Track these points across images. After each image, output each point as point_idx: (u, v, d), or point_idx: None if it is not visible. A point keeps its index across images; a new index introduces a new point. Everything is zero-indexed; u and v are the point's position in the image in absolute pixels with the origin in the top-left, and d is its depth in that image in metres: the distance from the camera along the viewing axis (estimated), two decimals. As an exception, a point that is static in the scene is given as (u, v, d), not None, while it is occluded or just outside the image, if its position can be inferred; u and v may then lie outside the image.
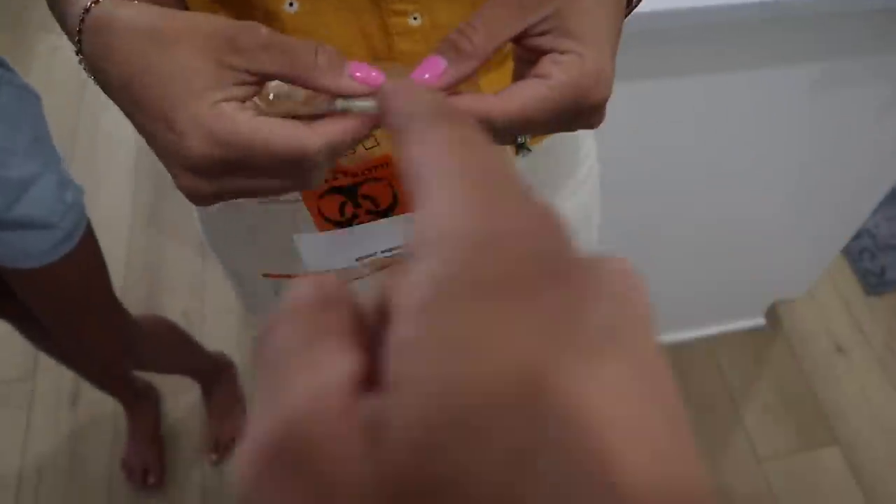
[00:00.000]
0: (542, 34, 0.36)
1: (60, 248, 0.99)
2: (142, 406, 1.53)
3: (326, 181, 0.48)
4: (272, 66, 0.33)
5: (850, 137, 1.22)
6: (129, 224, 1.90)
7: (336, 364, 0.17)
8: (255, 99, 0.35)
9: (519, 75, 0.38)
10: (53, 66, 2.16)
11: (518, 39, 0.37)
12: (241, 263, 0.69)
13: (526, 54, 0.38)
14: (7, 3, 2.38)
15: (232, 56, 0.33)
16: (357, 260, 0.50)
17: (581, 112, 0.36)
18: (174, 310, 1.73)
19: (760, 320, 1.75)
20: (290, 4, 0.47)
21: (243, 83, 0.33)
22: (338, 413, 0.16)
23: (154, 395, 1.57)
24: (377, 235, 0.48)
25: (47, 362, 1.36)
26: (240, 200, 0.48)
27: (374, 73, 0.34)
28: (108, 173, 2.00)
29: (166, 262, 1.85)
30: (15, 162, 0.90)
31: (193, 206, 0.60)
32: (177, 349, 1.41)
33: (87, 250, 1.04)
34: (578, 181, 0.72)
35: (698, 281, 1.52)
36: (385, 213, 0.48)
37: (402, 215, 0.48)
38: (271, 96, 0.36)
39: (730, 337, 1.73)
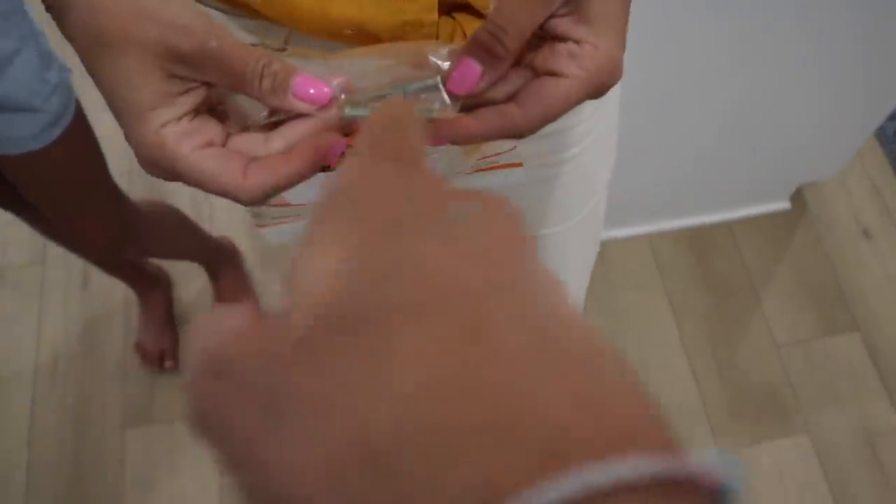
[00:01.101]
0: (560, 16, 0.35)
1: (48, 132, 0.93)
2: (153, 291, 1.52)
3: None
4: (217, 79, 0.34)
5: (884, 9, 1.13)
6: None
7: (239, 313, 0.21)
8: None
9: (525, 54, 0.37)
10: None
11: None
12: None
13: (538, 32, 0.36)
14: None
15: (178, 66, 0.33)
16: None
17: (593, 99, 0.37)
18: (181, 195, 1.69)
19: (785, 203, 1.70)
20: None
21: (190, 90, 0.34)
22: (248, 327, 0.20)
23: (165, 280, 1.56)
24: None
25: (56, 247, 1.35)
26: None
27: (321, 91, 0.34)
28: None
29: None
30: None
31: None
32: (181, 235, 1.38)
33: (78, 134, 0.98)
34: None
35: (721, 162, 1.48)
36: None
37: None
38: None
39: (752, 220, 1.68)
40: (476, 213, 0.21)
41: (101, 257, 1.35)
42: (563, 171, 0.72)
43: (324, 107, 0.35)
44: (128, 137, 0.34)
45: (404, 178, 0.22)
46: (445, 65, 0.36)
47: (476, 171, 0.50)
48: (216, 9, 0.51)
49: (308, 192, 0.48)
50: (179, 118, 0.34)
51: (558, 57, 0.36)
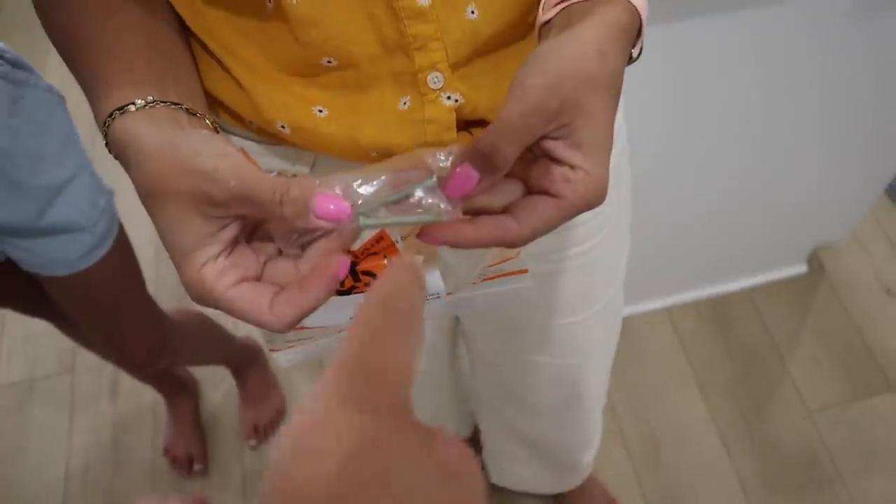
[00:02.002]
0: (555, 138, 0.38)
1: (94, 253, 0.98)
2: (181, 395, 1.54)
3: None
4: (244, 213, 0.37)
5: (889, 69, 1.15)
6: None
7: None
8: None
9: (520, 167, 0.40)
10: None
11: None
12: None
13: (534, 149, 0.40)
14: (24, 1, 2.38)
15: (211, 209, 0.36)
16: (350, 319, 0.52)
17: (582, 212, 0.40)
18: None
19: (802, 267, 1.69)
20: None
21: (226, 226, 0.37)
22: None
23: (192, 384, 1.58)
24: None
25: (86, 356, 1.37)
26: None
27: (340, 208, 0.37)
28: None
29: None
30: (46, 167, 0.89)
31: None
32: (209, 342, 1.41)
33: (121, 253, 1.03)
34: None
35: (735, 230, 1.48)
36: None
37: None
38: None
39: (771, 286, 1.68)
40: (432, 484, 0.23)
41: (140, 370, 1.37)
42: (582, 262, 0.74)
43: (342, 221, 0.37)
44: (178, 274, 0.38)
45: (376, 440, 0.24)
46: (443, 166, 0.39)
47: (483, 280, 0.52)
48: (250, 139, 0.55)
49: (323, 316, 0.49)
50: (217, 256, 0.38)
51: (554, 179, 0.39)
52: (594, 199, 0.39)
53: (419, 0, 0.46)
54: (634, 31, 0.42)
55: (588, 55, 0.38)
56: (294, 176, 0.42)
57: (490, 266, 0.51)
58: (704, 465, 1.47)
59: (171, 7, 0.48)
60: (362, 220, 0.38)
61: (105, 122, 0.41)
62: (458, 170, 0.38)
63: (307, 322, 0.49)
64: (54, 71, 2.22)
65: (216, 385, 1.62)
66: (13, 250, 0.95)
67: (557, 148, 0.38)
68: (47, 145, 0.90)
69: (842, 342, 1.61)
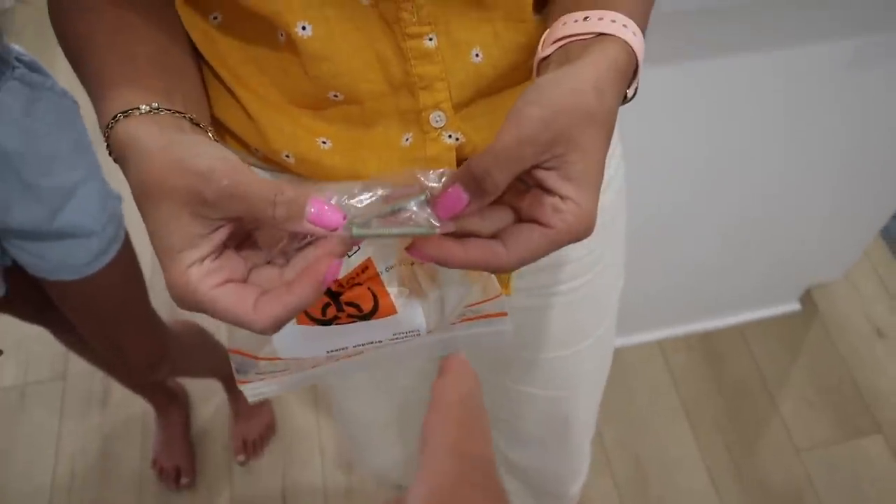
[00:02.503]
0: (548, 169, 0.39)
1: (101, 258, 0.98)
2: (172, 407, 1.53)
3: None
4: (235, 214, 0.36)
5: (885, 115, 1.17)
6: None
7: None
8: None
9: (512, 195, 0.41)
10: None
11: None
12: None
13: (525, 179, 0.40)
14: (35, 12, 2.40)
15: (203, 208, 0.36)
16: (327, 352, 0.51)
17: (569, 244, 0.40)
18: None
19: (795, 305, 1.70)
20: (304, 28, 0.46)
21: (219, 227, 0.37)
22: None
23: (184, 397, 1.58)
24: (351, 333, 0.49)
25: (77, 362, 1.37)
26: None
27: (333, 215, 0.37)
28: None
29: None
30: (58, 170, 0.90)
31: None
32: (206, 354, 1.41)
33: (126, 259, 1.03)
34: (601, 206, 0.70)
35: (730, 266, 1.49)
36: (366, 318, 0.48)
37: (381, 319, 0.48)
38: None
39: (763, 323, 1.69)
40: None
41: (138, 378, 1.37)
42: (574, 299, 0.75)
43: (335, 229, 0.37)
44: (164, 275, 0.38)
45: None
46: (435, 185, 0.39)
47: (462, 321, 0.52)
48: (256, 166, 0.56)
49: (300, 346, 0.49)
50: (204, 259, 0.37)
51: (544, 209, 0.39)
52: (583, 231, 0.39)
53: (426, 42, 0.47)
54: (631, 72, 0.43)
55: (586, 91, 0.39)
56: None
57: (471, 306, 0.51)
58: (691, 499, 1.47)
59: (186, 31, 0.49)
60: (355, 230, 0.38)
61: (108, 125, 0.41)
62: (449, 190, 0.38)
63: (282, 353, 0.50)
64: (64, 71, 2.23)
65: (207, 398, 1.62)
66: (21, 254, 0.96)
67: (549, 179, 0.39)
68: (60, 148, 0.91)
69: (832, 381, 1.62)
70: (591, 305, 0.78)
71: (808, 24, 0.98)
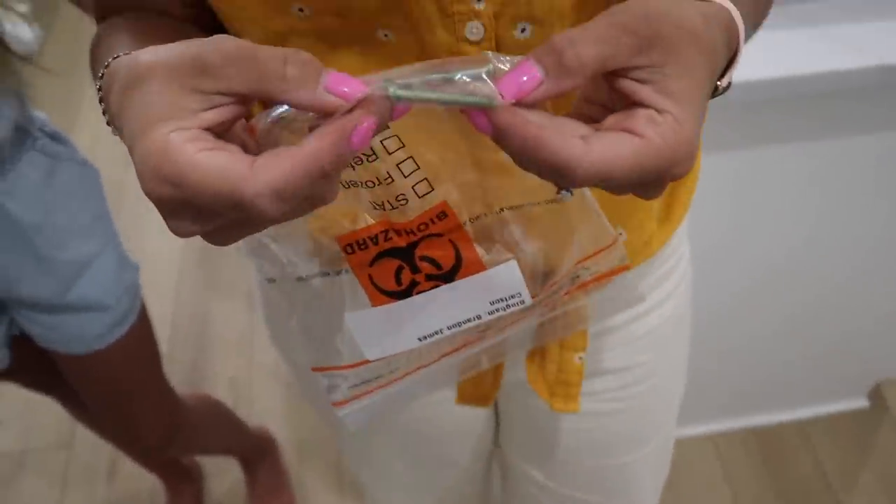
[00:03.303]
0: (642, 81, 0.33)
1: (114, 331, 0.95)
2: (184, 486, 1.45)
3: (377, 244, 0.41)
4: (239, 82, 0.30)
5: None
6: (175, 280, 1.85)
7: None
8: None
9: (580, 114, 0.35)
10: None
11: (616, 77, 0.33)
12: (298, 354, 0.67)
13: (603, 94, 0.35)
14: (63, 49, 2.40)
15: (199, 79, 0.30)
16: (420, 339, 0.44)
17: (653, 181, 0.33)
18: (221, 376, 1.67)
19: (863, 401, 1.60)
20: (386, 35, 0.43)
21: (214, 106, 0.30)
22: None
23: (197, 474, 1.49)
24: (440, 307, 0.43)
25: (86, 431, 1.30)
26: (289, 279, 0.45)
27: (353, 87, 0.30)
28: (155, 226, 1.95)
29: (214, 319, 1.78)
30: (74, 243, 0.89)
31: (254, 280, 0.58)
32: (222, 430, 1.35)
33: (140, 333, 1.00)
34: (666, 292, 0.67)
35: (792, 357, 1.43)
36: (448, 277, 0.43)
37: (467, 278, 0.42)
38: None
39: (827, 420, 1.58)
40: None
41: (147, 455, 1.32)
42: (637, 404, 0.72)
43: (364, 101, 0.30)
44: (133, 155, 0.30)
45: None
46: (503, 66, 0.32)
47: (579, 288, 0.45)
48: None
49: (383, 339, 0.43)
50: (191, 128, 0.30)
51: (637, 118, 0.32)
52: (681, 154, 0.32)
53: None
54: (733, 42, 0.38)
55: (692, 14, 0.34)
56: None
57: (583, 262, 0.43)
58: None
59: None
60: (393, 90, 0.30)
61: (107, 64, 0.34)
62: (520, 63, 0.32)
63: (369, 353, 0.43)
64: (87, 120, 2.23)
65: (221, 475, 1.52)
66: (31, 325, 0.94)
67: (644, 91, 0.32)
68: (77, 220, 0.89)
69: (904, 488, 1.49)
70: (655, 408, 0.75)
71: (876, 113, 0.98)
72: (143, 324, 1.00)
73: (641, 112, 0.32)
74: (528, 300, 0.42)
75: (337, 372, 0.47)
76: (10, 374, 1.05)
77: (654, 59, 0.32)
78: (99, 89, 0.35)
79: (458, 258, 0.41)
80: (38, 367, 1.05)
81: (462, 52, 0.42)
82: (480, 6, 0.41)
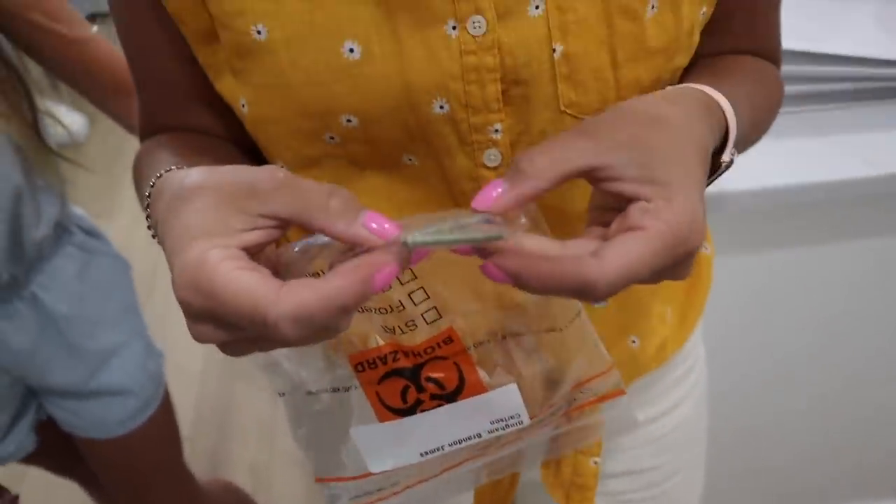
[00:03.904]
0: (622, 179, 0.35)
1: (136, 417, 0.98)
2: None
3: (386, 363, 0.44)
4: (284, 207, 0.32)
5: None
6: (201, 366, 1.88)
7: None
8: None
9: (597, 221, 0.37)
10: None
11: (596, 182, 0.35)
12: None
13: (608, 200, 0.37)
14: (107, 139, 2.52)
15: (247, 201, 0.32)
16: (422, 455, 0.46)
17: (676, 262, 0.34)
18: (241, 462, 1.68)
19: (891, 501, 1.54)
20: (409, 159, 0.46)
21: (256, 228, 0.33)
22: None
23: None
24: (443, 424, 0.46)
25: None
26: (299, 393, 0.47)
27: (387, 226, 0.33)
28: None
29: (236, 405, 1.81)
30: (102, 333, 0.93)
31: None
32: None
33: (162, 419, 1.02)
34: (682, 394, 0.68)
35: (820, 454, 1.39)
36: (451, 398, 0.45)
37: (469, 399, 0.45)
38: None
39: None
40: None
41: None
42: None
43: (390, 242, 0.32)
44: (172, 267, 0.32)
45: None
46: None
47: (576, 409, 0.47)
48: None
49: (386, 452, 0.45)
50: (230, 247, 0.32)
51: (632, 215, 0.34)
52: (687, 229, 0.33)
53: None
54: (719, 117, 0.40)
55: (654, 100, 0.37)
56: None
57: (580, 386, 0.45)
58: None
59: None
60: (411, 238, 0.32)
61: (152, 183, 0.37)
62: (489, 182, 0.35)
63: (373, 465, 0.45)
64: (127, 209, 2.31)
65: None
66: (56, 410, 0.97)
67: (627, 186, 0.34)
68: (107, 311, 0.94)
69: None
70: None
71: (885, 219, 1.01)
72: (165, 411, 1.03)
73: (634, 207, 0.34)
74: (527, 421, 0.44)
75: (340, 483, 0.48)
76: (34, 458, 1.07)
77: (622, 157, 0.34)
78: (147, 195, 0.38)
79: (462, 380, 0.43)
80: (61, 451, 1.07)
81: (480, 177, 0.46)
82: (498, 136, 0.45)
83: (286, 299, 0.30)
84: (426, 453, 0.46)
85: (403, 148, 0.46)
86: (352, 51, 0.42)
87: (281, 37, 0.43)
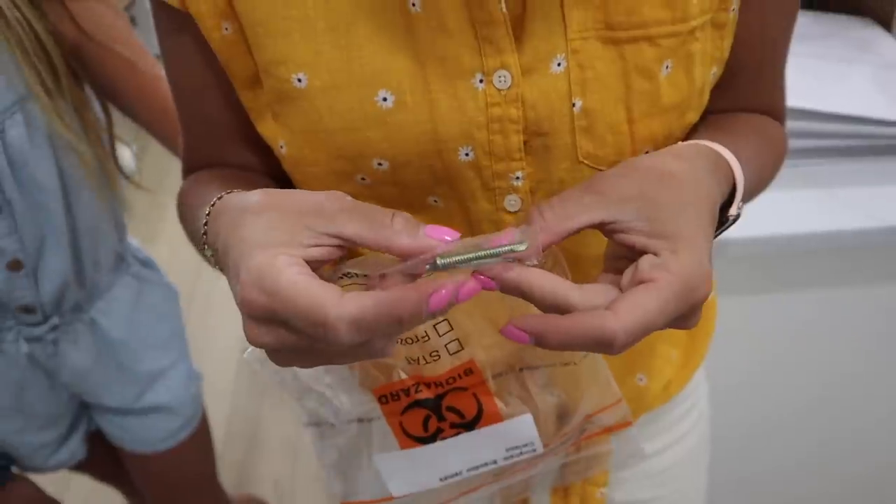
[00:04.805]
0: (633, 231, 0.36)
1: (177, 435, 1.02)
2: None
3: (409, 395, 0.46)
4: (350, 227, 0.34)
5: None
6: (233, 385, 1.94)
7: None
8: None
9: (611, 269, 0.38)
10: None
11: (608, 234, 0.37)
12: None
13: (621, 250, 0.38)
14: (153, 166, 2.59)
15: (314, 219, 0.34)
16: (441, 479, 0.48)
17: (689, 309, 0.36)
18: (267, 477, 1.72)
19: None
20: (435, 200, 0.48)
21: (320, 245, 0.34)
22: None
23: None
24: (462, 451, 0.47)
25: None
26: (327, 423, 0.48)
27: (448, 233, 0.35)
28: (220, 333, 2.07)
29: (263, 424, 1.86)
30: (152, 355, 0.97)
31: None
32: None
33: (199, 439, 1.07)
34: (685, 429, 0.70)
35: (823, 494, 1.36)
36: (470, 426, 0.46)
37: (486, 427, 0.46)
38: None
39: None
40: None
41: None
42: None
43: (421, 261, 0.34)
44: (238, 272, 0.33)
45: None
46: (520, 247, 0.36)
47: (585, 439, 0.48)
48: None
49: (409, 477, 0.46)
50: (297, 256, 0.34)
51: (643, 268, 0.35)
52: (697, 280, 0.35)
53: None
54: (727, 173, 0.42)
55: (662, 156, 0.38)
56: None
57: (590, 417, 0.47)
58: None
59: None
60: (440, 261, 0.34)
61: (210, 207, 0.39)
62: (504, 231, 0.36)
63: (394, 489, 0.47)
64: (169, 231, 2.37)
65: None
66: (106, 425, 1.01)
67: (637, 239, 0.36)
68: (158, 336, 0.98)
69: None
70: None
71: (880, 269, 1.01)
72: (202, 429, 1.07)
73: (644, 260, 0.36)
74: (540, 449, 0.46)
75: None
76: (82, 466, 1.13)
77: (630, 212, 0.36)
78: (207, 214, 0.39)
79: (480, 410, 0.45)
80: (107, 461, 1.12)
81: (501, 221, 0.48)
82: (519, 183, 0.47)
83: (348, 304, 0.31)
84: (445, 478, 0.48)
85: (429, 190, 0.48)
86: (385, 99, 0.44)
87: (319, 85, 0.44)
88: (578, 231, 0.37)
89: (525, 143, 0.45)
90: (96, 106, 0.86)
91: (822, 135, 1.00)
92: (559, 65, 0.44)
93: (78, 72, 0.81)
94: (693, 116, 0.48)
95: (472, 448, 0.47)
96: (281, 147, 0.48)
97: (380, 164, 0.46)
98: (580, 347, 0.34)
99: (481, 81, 0.43)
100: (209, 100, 0.52)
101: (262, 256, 0.33)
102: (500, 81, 0.43)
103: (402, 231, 0.34)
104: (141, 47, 0.84)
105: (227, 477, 1.20)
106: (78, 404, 1.01)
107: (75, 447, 1.03)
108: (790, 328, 1.07)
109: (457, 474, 0.48)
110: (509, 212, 0.48)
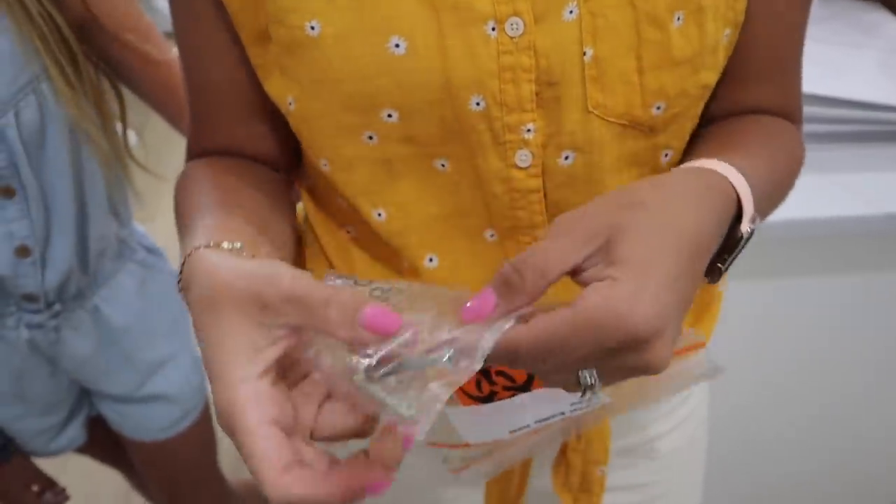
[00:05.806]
0: (592, 266, 0.36)
1: (177, 425, 1.03)
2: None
3: None
4: (295, 318, 0.35)
5: None
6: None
7: None
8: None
9: None
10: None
11: (572, 274, 0.37)
12: None
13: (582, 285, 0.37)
14: (152, 147, 2.58)
15: (262, 315, 0.35)
16: (511, 432, 0.48)
17: (616, 346, 0.34)
18: None
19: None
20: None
21: (276, 342, 0.35)
22: None
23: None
24: (523, 409, 0.47)
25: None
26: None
27: (388, 321, 0.34)
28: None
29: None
30: (156, 344, 0.97)
31: None
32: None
33: (200, 429, 1.07)
34: (685, 414, 0.70)
35: (822, 478, 1.39)
36: (524, 388, 0.46)
37: (542, 389, 0.46)
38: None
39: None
40: None
41: None
42: None
43: (391, 334, 0.34)
44: (211, 384, 0.35)
45: None
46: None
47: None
48: None
49: (479, 431, 0.47)
50: (258, 377, 0.34)
51: (582, 294, 0.35)
52: (623, 311, 0.33)
53: None
54: (729, 194, 0.41)
55: (638, 185, 0.38)
56: None
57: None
58: None
59: (287, 206, 0.52)
60: (360, 382, 0.34)
61: (188, 254, 0.40)
62: (481, 293, 0.36)
63: (469, 438, 0.48)
64: (166, 219, 2.36)
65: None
66: (107, 411, 1.02)
67: (595, 273, 0.36)
68: (162, 324, 0.98)
69: None
70: None
71: (881, 255, 1.02)
72: (204, 419, 1.07)
73: (587, 287, 0.35)
74: (608, 399, 0.44)
75: (447, 449, 0.51)
76: (82, 449, 1.14)
77: (599, 241, 0.36)
78: (180, 272, 0.40)
79: (530, 376, 0.45)
80: (107, 444, 1.12)
81: (511, 178, 0.47)
82: (530, 136, 0.46)
83: (285, 485, 0.32)
84: (515, 430, 0.48)
85: (437, 150, 0.47)
86: (398, 46, 0.44)
87: (331, 32, 0.44)
88: (554, 282, 0.36)
89: (536, 94, 0.45)
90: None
91: (828, 120, 0.99)
92: (571, 12, 0.43)
93: (89, 55, 0.80)
94: (707, 77, 0.48)
95: (537, 404, 0.47)
96: (289, 104, 0.48)
97: (389, 115, 0.46)
98: (494, 359, 0.35)
99: (493, 29, 0.43)
100: (217, 61, 0.51)
101: (225, 384, 0.34)
102: (512, 29, 0.43)
103: (338, 324, 0.34)
104: (153, 30, 0.83)
105: (228, 463, 1.20)
106: (78, 390, 1.01)
107: (75, 433, 1.04)
108: (792, 314, 1.08)
109: (526, 427, 0.48)
110: (520, 167, 0.47)
